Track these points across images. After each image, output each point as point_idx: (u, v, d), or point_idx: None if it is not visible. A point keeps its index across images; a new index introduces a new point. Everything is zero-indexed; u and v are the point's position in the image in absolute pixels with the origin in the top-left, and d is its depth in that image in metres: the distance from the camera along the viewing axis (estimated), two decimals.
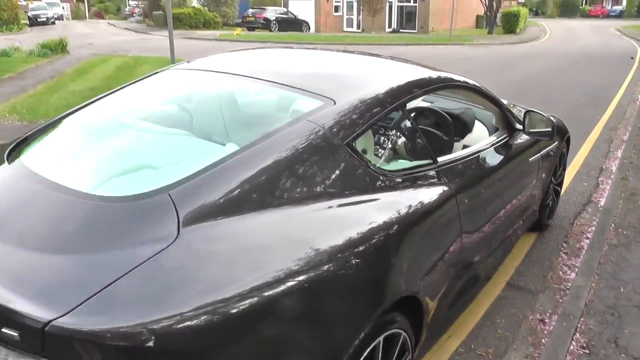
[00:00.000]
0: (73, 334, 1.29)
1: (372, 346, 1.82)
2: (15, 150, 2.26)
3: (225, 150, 1.99)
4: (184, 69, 2.83)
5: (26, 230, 1.66)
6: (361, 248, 1.80)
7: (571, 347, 2.86)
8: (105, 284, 1.38)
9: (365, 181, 2.05)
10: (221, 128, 2.42)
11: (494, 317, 3.21)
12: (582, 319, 3.10)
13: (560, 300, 3.39)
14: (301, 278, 1.58)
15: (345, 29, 37.30)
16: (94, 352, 1.31)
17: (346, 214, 1.90)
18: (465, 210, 2.47)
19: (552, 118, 3.47)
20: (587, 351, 2.84)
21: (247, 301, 1.45)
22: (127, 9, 52.47)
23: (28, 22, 34.17)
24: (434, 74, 2.84)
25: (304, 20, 34.65)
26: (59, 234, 1.62)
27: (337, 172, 1.97)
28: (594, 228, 4.43)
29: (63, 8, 48.36)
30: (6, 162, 2.12)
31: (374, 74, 2.71)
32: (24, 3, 36.72)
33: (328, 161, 1.96)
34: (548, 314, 3.24)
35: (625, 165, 5.81)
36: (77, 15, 52.85)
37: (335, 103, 2.15)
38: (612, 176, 5.70)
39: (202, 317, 1.38)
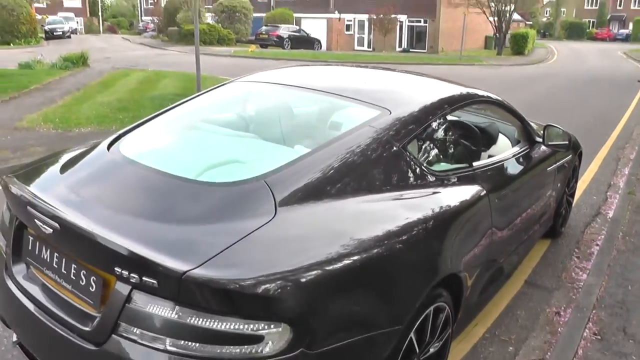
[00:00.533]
0: (204, 282, 1.64)
1: (425, 314, 2.19)
2: (114, 143, 2.64)
3: (295, 151, 2.39)
4: (250, 82, 3.24)
5: (148, 204, 2.04)
6: (421, 230, 2.19)
7: (585, 334, 3.21)
8: (226, 246, 1.76)
9: (419, 178, 2.45)
10: (288, 133, 2.82)
11: (514, 310, 3.57)
12: (594, 312, 3.45)
13: (574, 297, 3.74)
14: (379, 250, 1.98)
15: (356, 47, 38.00)
16: (219, 297, 1.66)
17: (407, 204, 2.29)
18: (495, 208, 2.85)
19: (568, 132, 3.86)
20: (599, 337, 3.19)
21: (337, 264, 1.83)
22: (140, 25, 53.52)
23: (44, 36, 34.96)
24: (467, 90, 3.25)
25: (315, 39, 35.34)
26: (179, 208, 1.98)
27: (398, 169, 2.38)
28: (603, 236, 4.79)
29: (77, 22, 49.47)
30: (107, 151, 2.50)
31: (418, 89, 3.12)
32: (39, 17, 37.53)
33: (390, 160, 2.36)
34: (563, 308, 3.60)
35: (633, 181, 6.17)
36: (90, 30, 53.96)
37: (391, 113, 2.56)
38: (619, 191, 6.07)
39: (300, 276, 1.74)
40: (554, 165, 4.01)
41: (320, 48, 35.49)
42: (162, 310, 1.70)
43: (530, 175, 3.59)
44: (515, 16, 38.60)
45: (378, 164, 2.32)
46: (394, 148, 2.40)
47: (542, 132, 3.77)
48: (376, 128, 2.42)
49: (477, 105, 3.66)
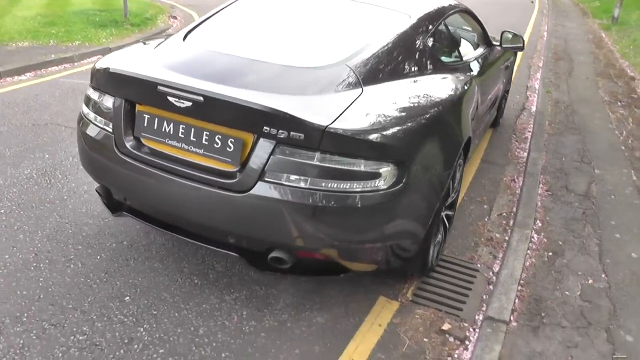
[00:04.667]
0: (339, 133, 2.15)
1: (455, 165, 2.87)
2: (187, 37, 2.93)
3: (354, 44, 2.78)
4: None
5: (267, 83, 2.39)
6: (455, 99, 2.84)
7: (539, 192, 4.12)
8: (344, 108, 2.28)
9: (437, 65, 3.08)
10: (335, 28, 3.11)
11: (480, 180, 4.40)
12: (541, 176, 4.37)
13: (520, 169, 4.67)
14: (434, 110, 2.59)
15: None
16: (350, 143, 2.18)
17: (440, 82, 2.93)
18: (479, 89, 3.56)
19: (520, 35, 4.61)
20: (549, 193, 4.12)
21: (417, 121, 2.47)
22: None
23: None
24: (451, 1, 3.82)
25: None
26: (293, 86, 2.41)
27: (425, 59, 2.97)
28: (531, 125, 5.78)
29: None
30: (186, 44, 2.83)
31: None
32: None
33: (420, 51, 2.95)
34: (515, 176, 4.50)
35: (547, 83, 7.23)
36: None
37: (410, 17, 3.09)
38: (536, 91, 7.12)
39: (398, 128, 2.33)
40: (504, 64, 4.80)
41: None
42: (305, 157, 2.18)
43: (493, 69, 4.34)
44: None
45: (414, 54, 2.91)
46: (420, 43, 2.98)
47: (499, 36, 4.51)
48: (406, 28, 2.96)
49: (458, 14, 4.25)
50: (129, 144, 2.51)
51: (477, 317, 2.80)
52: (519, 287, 2.97)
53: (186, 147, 2.39)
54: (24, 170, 3.89)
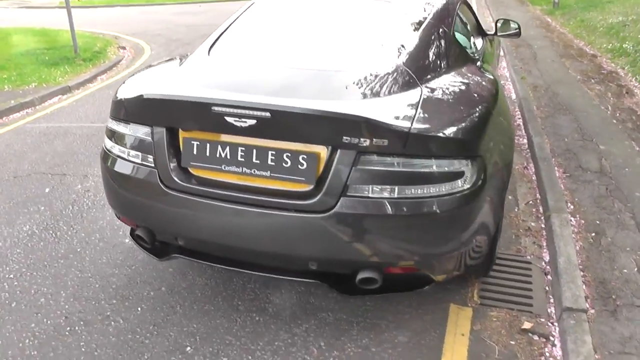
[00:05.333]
0: (422, 133, 2.05)
1: None
2: (211, 51, 2.74)
3: (392, 41, 2.70)
4: None
5: (329, 90, 2.27)
6: (496, 87, 2.75)
7: (558, 175, 4.10)
8: (415, 108, 2.17)
9: (464, 57, 3.04)
10: (357, 27, 2.97)
11: None
12: (553, 159, 4.37)
13: (527, 155, 4.67)
14: (489, 101, 2.51)
15: None
16: (435, 142, 2.08)
17: (477, 73, 2.86)
18: None
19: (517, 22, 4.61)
20: (567, 174, 4.11)
21: (473, 115, 2.33)
22: None
23: None
24: None
25: None
26: (359, 88, 2.29)
27: (455, 50, 2.91)
28: (518, 111, 5.83)
29: None
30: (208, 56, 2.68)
31: None
32: None
33: (452, 43, 2.90)
34: (525, 164, 4.49)
35: (518, 70, 7.34)
36: None
37: (430, 14, 3.00)
38: (509, 79, 7.22)
39: (471, 123, 2.25)
40: (496, 52, 4.82)
41: None
42: (390, 164, 2.04)
43: (493, 58, 4.34)
44: None
45: (449, 47, 2.85)
46: (449, 36, 2.92)
47: (494, 25, 4.51)
48: (432, 21, 2.86)
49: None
50: (176, 176, 2.28)
51: (549, 310, 2.72)
52: (581, 273, 2.91)
53: (248, 171, 2.19)
54: (22, 228, 3.54)
